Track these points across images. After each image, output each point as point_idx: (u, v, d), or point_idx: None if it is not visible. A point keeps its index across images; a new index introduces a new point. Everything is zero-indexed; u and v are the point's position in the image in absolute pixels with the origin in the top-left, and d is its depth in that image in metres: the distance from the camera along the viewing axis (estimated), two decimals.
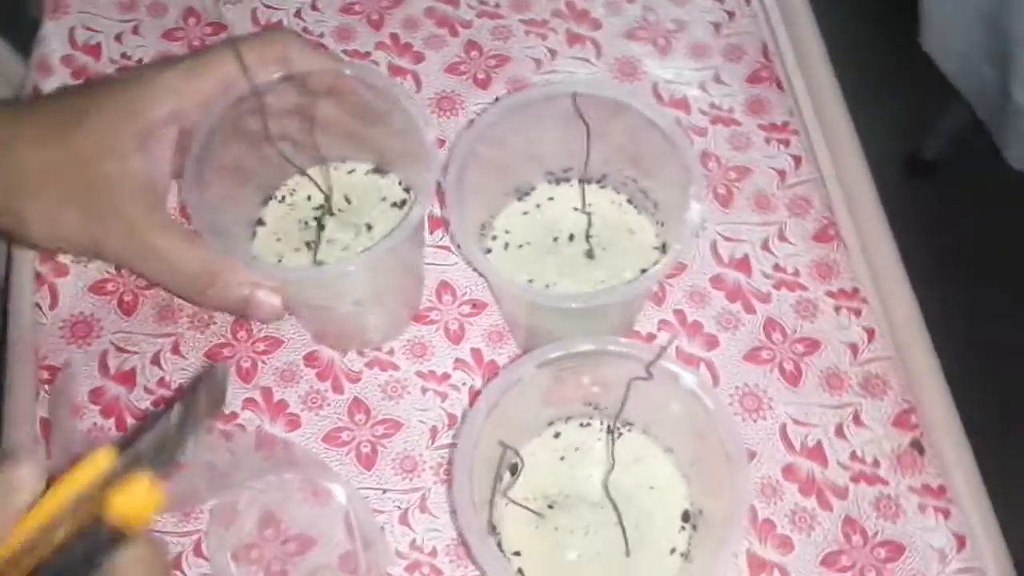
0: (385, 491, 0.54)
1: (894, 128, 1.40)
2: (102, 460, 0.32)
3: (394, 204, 0.55)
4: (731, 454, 0.41)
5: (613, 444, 0.46)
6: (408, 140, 0.50)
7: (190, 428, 0.35)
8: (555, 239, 0.53)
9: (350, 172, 0.56)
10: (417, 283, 0.58)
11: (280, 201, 0.56)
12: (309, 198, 0.55)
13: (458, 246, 0.57)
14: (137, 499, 0.31)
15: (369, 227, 0.54)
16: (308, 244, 0.54)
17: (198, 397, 0.36)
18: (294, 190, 0.56)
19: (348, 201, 0.55)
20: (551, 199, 0.54)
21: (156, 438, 0.34)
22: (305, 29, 0.67)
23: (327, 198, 0.55)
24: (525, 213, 0.54)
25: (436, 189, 0.50)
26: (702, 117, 0.63)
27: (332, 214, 0.55)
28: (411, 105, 0.50)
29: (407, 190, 0.56)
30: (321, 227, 0.54)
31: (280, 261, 0.54)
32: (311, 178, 0.54)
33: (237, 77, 0.48)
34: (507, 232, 0.54)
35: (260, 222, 0.55)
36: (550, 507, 0.47)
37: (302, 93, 0.52)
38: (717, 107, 0.63)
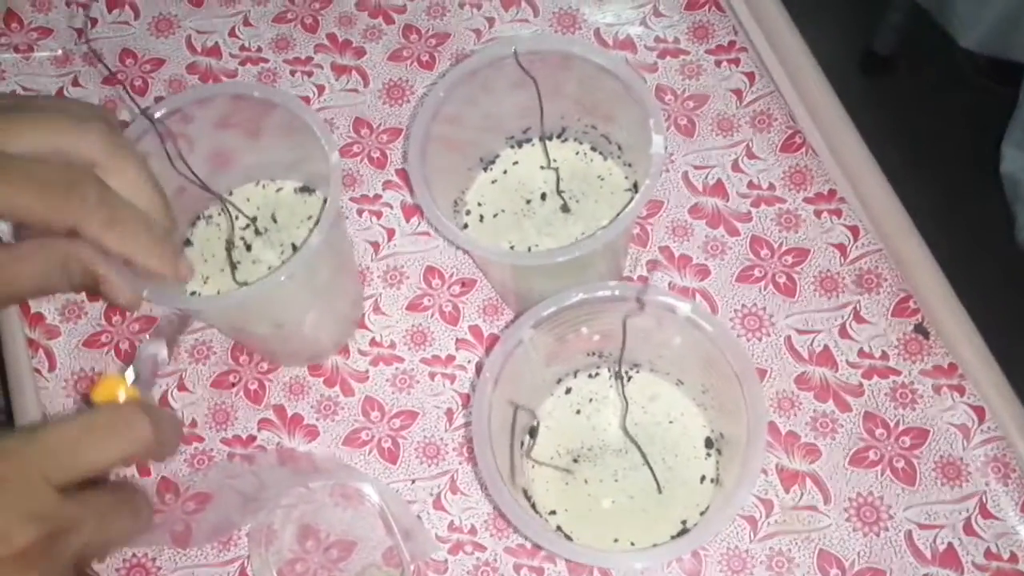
0: (414, 481, 0.55)
1: (844, 28, 1.40)
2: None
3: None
4: (738, 372, 0.41)
5: (622, 384, 0.46)
6: (307, 147, 0.49)
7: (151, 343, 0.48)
8: (528, 201, 0.53)
9: (278, 190, 0.55)
10: (345, 297, 0.57)
11: (208, 221, 0.55)
12: (237, 218, 0.54)
13: (436, 229, 0.57)
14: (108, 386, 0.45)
15: (294, 247, 0.53)
16: (233, 264, 0.53)
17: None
18: (222, 210, 0.55)
19: (275, 220, 0.54)
20: (516, 163, 0.54)
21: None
22: (242, 47, 0.66)
23: (250, 221, 0.54)
24: (494, 182, 0.54)
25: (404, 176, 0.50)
26: (649, 53, 0.63)
27: (259, 233, 0.54)
28: (298, 107, 0.49)
29: None
30: (248, 247, 0.54)
31: (205, 282, 0.53)
32: (227, 201, 0.53)
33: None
34: (480, 204, 0.54)
35: (188, 242, 0.55)
36: (575, 461, 0.48)
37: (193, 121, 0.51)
38: (663, 40, 0.63)
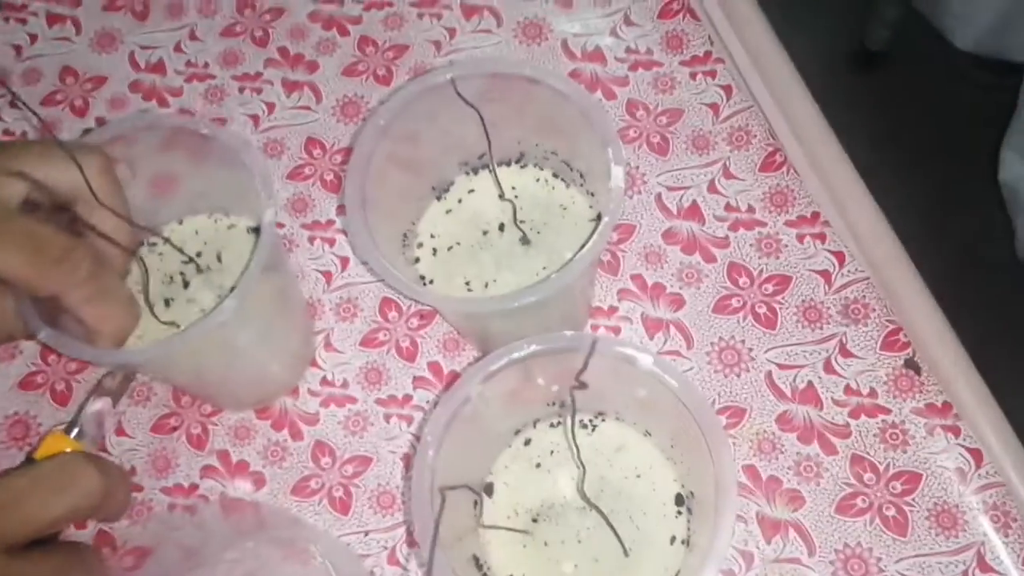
0: (367, 533, 0.51)
1: (830, 28, 1.34)
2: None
3: (267, 268, 0.48)
4: (704, 429, 0.37)
5: (577, 449, 0.42)
6: (238, 176, 0.46)
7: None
8: (485, 232, 0.49)
9: (230, 227, 0.51)
10: (292, 337, 0.53)
11: (151, 250, 0.51)
12: (181, 250, 0.50)
13: (365, 263, 0.53)
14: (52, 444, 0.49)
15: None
16: (166, 301, 0.49)
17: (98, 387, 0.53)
18: (166, 240, 0.50)
19: (219, 260, 0.50)
20: (472, 191, 0.50)
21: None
22: (188, 62, 0.62)
23: (190, 258, 0.50)
24: (448, 212, 0.50)
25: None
26: (620, 65, 0.59)
27: (200, 271, 0.50)
28: (244, 152, 0.46)
29: None
30: (185, 284, 0.50)
31: None
32: (166, 239, 0.50)
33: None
34: (432, 236, 0.50)
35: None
36: (535, 521, 0.44)
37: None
38: (634, 51, 0.59)
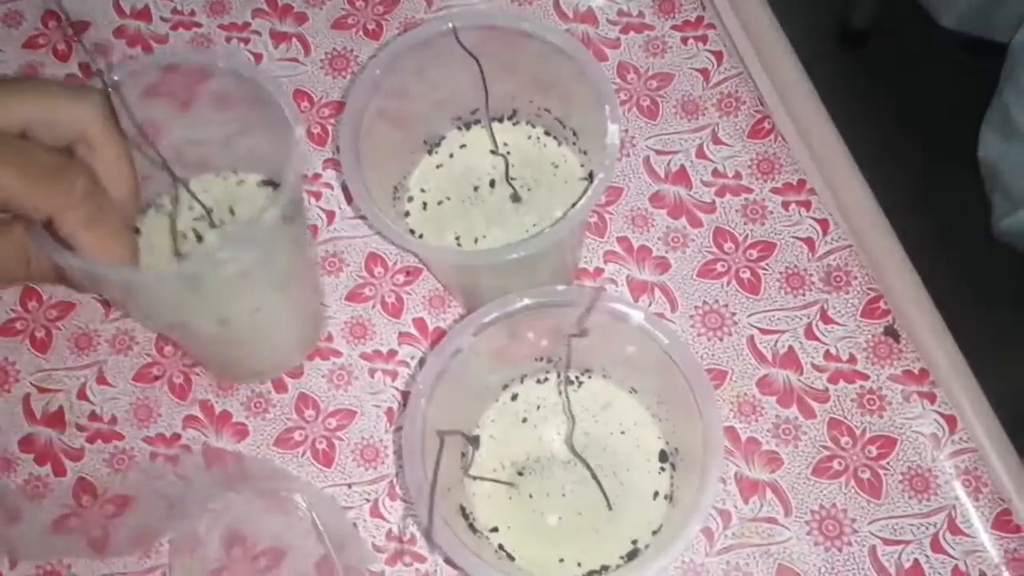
0: (350, 485, 0.51)
1: (819, 1, 1.35)
2: None
3: (284, 217, 0.47)
4: (695, 388, 0.38)
5: (568, 401, 0.43)
6: (261, 130, 0.44)
7: None
8: (476, 188, 0.49)
9: (240, 183, 0.50)
10: (303, 305, 0.52)
11: (159, 210, 0.50)
12: (191, 207, 0.49)
13: (363, 217, 0.53)
14: None
15: None
16: (178, 253, 0.49)
17: None
18: (177, 198, 0.50)
19: (232, 213, 0.50)
20: (463, 146, 0.50)
21: None
22: (174, 10, 0.61)
23: (206, 209, 0.49)
24: (439, 166, 0.50)
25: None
26: (612, 28, 0.59)
27: (214, 226, 0.49)
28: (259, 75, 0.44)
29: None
30: (199, 239, 0.49)
31: None
32: (183, 183, 0.48)
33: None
34: (423, 190, 0.50)
35: (136, 231, 0.49)
36: (520, 474, 0.44)
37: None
38: (626, 14, 0.59)
